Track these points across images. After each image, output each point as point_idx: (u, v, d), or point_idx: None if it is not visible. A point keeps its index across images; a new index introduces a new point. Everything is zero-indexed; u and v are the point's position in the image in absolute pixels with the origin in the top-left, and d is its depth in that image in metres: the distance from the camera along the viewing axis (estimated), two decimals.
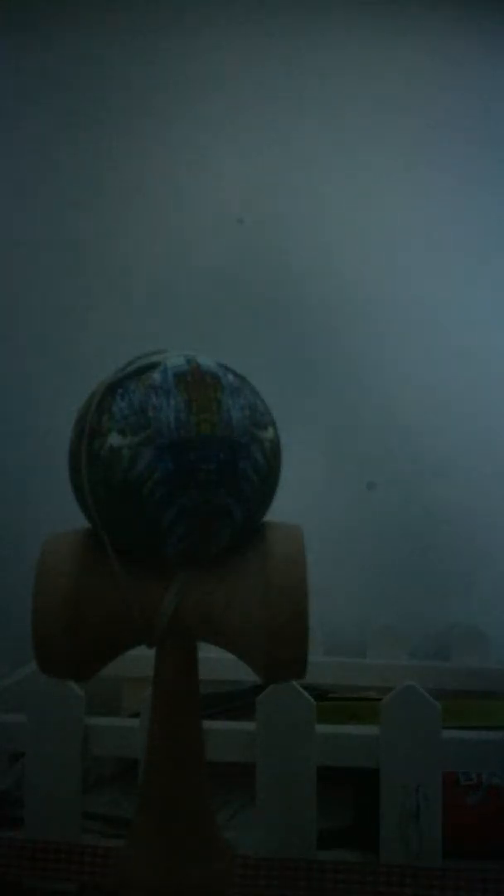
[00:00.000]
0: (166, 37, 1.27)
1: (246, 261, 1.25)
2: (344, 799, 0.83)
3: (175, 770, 0.60)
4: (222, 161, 1.26)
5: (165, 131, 1.27)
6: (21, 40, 1.27)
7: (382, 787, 0.73)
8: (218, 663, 0.79)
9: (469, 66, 1.27)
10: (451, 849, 0.73)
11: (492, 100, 1.27)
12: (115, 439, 0.55)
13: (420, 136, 1.26)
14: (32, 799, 0.76)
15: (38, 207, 1.27)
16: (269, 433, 0.59)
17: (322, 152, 1.27)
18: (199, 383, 0.56)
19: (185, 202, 1.27)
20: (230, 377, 0.59)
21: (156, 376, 0.57)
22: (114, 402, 0.56)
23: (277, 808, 0.74)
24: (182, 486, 0.54)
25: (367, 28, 1.27)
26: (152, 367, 0.58)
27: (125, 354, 0.62)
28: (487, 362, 1.24)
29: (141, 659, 0.64)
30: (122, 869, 0.60)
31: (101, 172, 1.27)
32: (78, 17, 1.27)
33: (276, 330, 1.24)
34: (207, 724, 0.67)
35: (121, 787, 0.93)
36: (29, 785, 0.76)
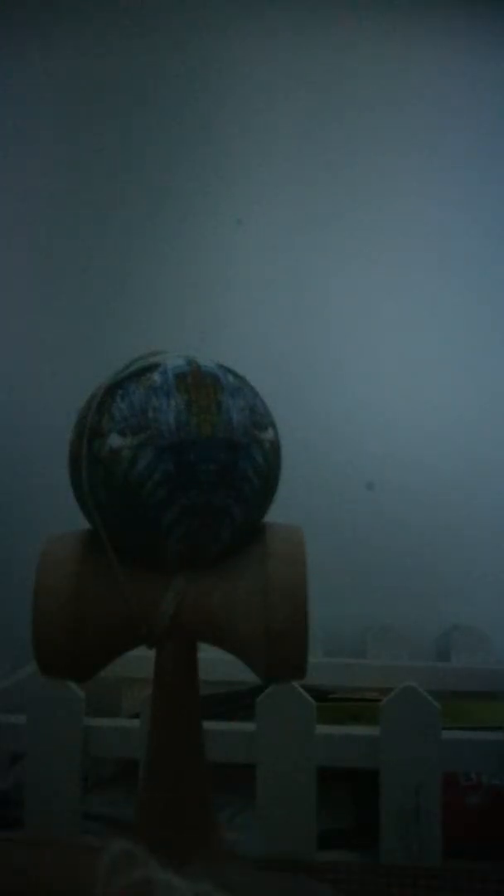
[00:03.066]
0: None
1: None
2: (344, 799, 0.83)
3: (175, 771, 0.60)
4: None
5: None
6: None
7: (382, 788, 0.73)
8: (218, 663, 0.78)
9: None
10: (451, 849, 0.73)
11: None
12: (115, 440, 0.55)
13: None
14: (32, 800, 0.76)
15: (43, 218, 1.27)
16: (270, 434, 0.59)
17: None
18: (199, 384, 0.56)
19: None
20: (230, 378, 0.59)
21: (156, 377, 0.57)
22: (114, 404, 0.56)
23: (277, 808, 0.74)
24: (182, 487, 0.54)
25: None
26: (152, 367, 0.58)
27: (125, 354, 0.62)
28: (487, 369, 1.24)
29: (141, 659, 0.64)
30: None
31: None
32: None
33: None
34: (207, 724, 0.67)
35: (121, 787, 0.93)
36: (29, 786, 0.76)
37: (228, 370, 0.60)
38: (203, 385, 0.56)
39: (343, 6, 1.27)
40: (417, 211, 1.26)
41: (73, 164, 1.27)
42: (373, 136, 1.26)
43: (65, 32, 1.27)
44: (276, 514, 0.61)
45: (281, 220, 1.26)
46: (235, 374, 0.60)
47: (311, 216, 1.26)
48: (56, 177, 1.27)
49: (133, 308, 1.25)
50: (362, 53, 1.27)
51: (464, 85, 1.26)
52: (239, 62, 1.27)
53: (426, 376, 1.24)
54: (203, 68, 1.27)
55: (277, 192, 1.26)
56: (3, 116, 1.27)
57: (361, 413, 1.24)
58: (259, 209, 1.26)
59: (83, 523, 0.60)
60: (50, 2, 1.27)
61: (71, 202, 1.27)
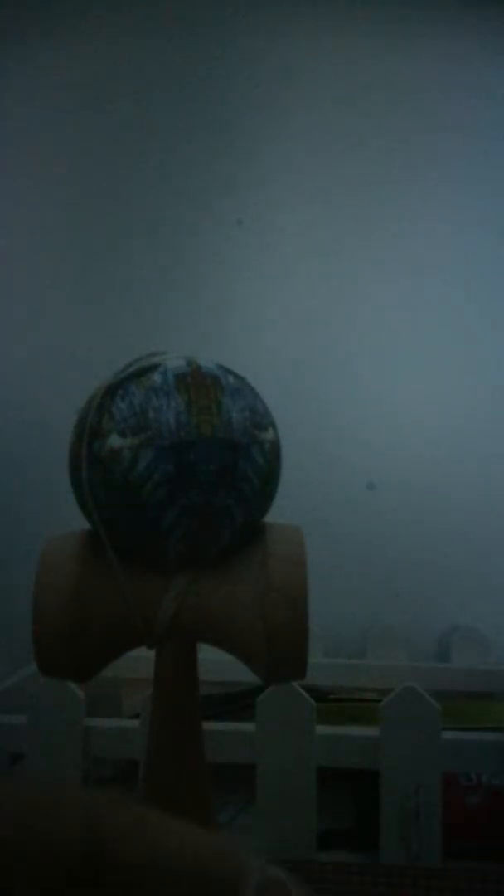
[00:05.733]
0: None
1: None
2: (344, 799, 0.83)
3: (175, 771, 0.60)
4: None
5: None
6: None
7: (382, 788, 0.73)
8: (218, 664, 0.79)
9: None
10: (451, 849, 0.73)
11: None
12: (115, 440, 0.55)
13: None
14: None
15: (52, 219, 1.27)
16: (270, 434, 0.59)
17: None
18: (199, 385, 0.56)
19: None
20: (230, 378, 0.59)
21: (156, 378, 0.57)
22: (114, 404, 0.56)
23: (277, 808, 0.74)
24: (182, 487, 0.54)
25: None
26: (152, 368, 0.58)
27: (125, 355, 0.62)
28: (489, 372, 1.24)
29: (141, 660, 0.64)
30: None
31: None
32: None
33: None
34: (207, 724, 0.67)
35: (121, 787, 0.93)
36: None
37: (228, 371, 0.60)
38: (203, 385, 0.56)
39: (351, 9, 1.27)
40: (420, 212, 1.26)
41: (73, 164, 1.27)
42: (376, 138, 1.26)
43: (66, 33, 1.27)
44: (276, 514, 0.61)
45: (282, 221, 1.26)
46: (235, 375, 0.60)
47: (312, 217, 1.26)
48: (56, 177, 1.27)
49: (133, 308, 1.25)
50: (368, 56, 1.26)
51: (463, 89, 1.26)
52: (241, 63, 1.27)
53: (428, 378, 1.24)
54: (205, 68, 1.27)
55: (278, 193, 1.26)
56: (3, 119, 1.28)
57: (362, 414, 1.24)
58: (259, 210, 1.26)
59: (83, 523, 0.60)
60: (52, 2, 1.27)
61: (70, 204, 1.27)
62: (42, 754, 0.76)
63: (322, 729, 0.75)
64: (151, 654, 0.60)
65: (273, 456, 0.59)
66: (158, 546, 0.56)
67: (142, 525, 0.55)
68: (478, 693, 1.06)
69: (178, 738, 0.60)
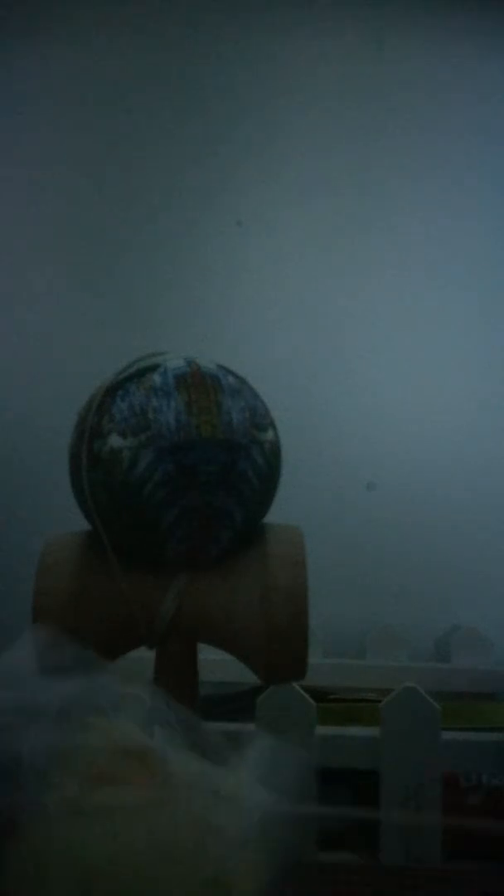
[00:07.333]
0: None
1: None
2: (344, 799, 0.83)
3: None
4: None
5: None
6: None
7: (382, 789, 0.73)
8: (218, 664, 0.79)
9: None
10: (451, 849, 0.73)
11: None
12: (115, 441, 0.55)
13: None
14: None
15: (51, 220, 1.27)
16: (270, 435, 0.59)
17: None
18: (199, 385, 0.56)
19: None
20: (230, 379, 0.59)
21: (156, 378, 0.56)
22: (114, 404, 0.56)
23: None
24: (182, 488, 0.54)
25: None
26: (152, 368, 0.58)
27: (126, 355, 0.62)
28: (486, 370, 1.24)
29: (141, 659, 0.64)
30: None
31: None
32: None
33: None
34: (207, 724, 0.67)
35: None
36: None
37: (228, 371, 0.60)
38: (203, 386, 0.56)
39: (351, 9, 1.27)
40: (421, 212, 1.26)
41: (73, 164, 1.27)
42: (376, 137, 1.26)
43: (67, 33, 1.27)
44: (277, 514, 0.61)
45: (282, 221, 1.26)
46: (235, 375, 0.60)
47: (312, 217, 1.26)
48: (56, 178, 1.27)
49: (134, 308, 1.25)
50: (368, 56, 1.27)
51: (463, 88, 1.26)
52: (241, 64, 1.27)
53: (428, 378, 1.24)
54: (205, 69, 1.27)
55: (278, 193, 1.26)
56: (4, 119, 1.27)
57: (362, 414, 1.24)
58: (259, 210, 1.26)
59: (83, 523, 0.60)
60: (54, 2, 1.27)
61: (70, 204, 1.27)
62: None
63: (322, 729, 0.75)
64: (151, 654, 0.59)
65: (273, 456, 0.59)
66: (158, 546, 0.56)
67: (142, 525, 0.55)
68: (478, 693, 1.06)
69: None
